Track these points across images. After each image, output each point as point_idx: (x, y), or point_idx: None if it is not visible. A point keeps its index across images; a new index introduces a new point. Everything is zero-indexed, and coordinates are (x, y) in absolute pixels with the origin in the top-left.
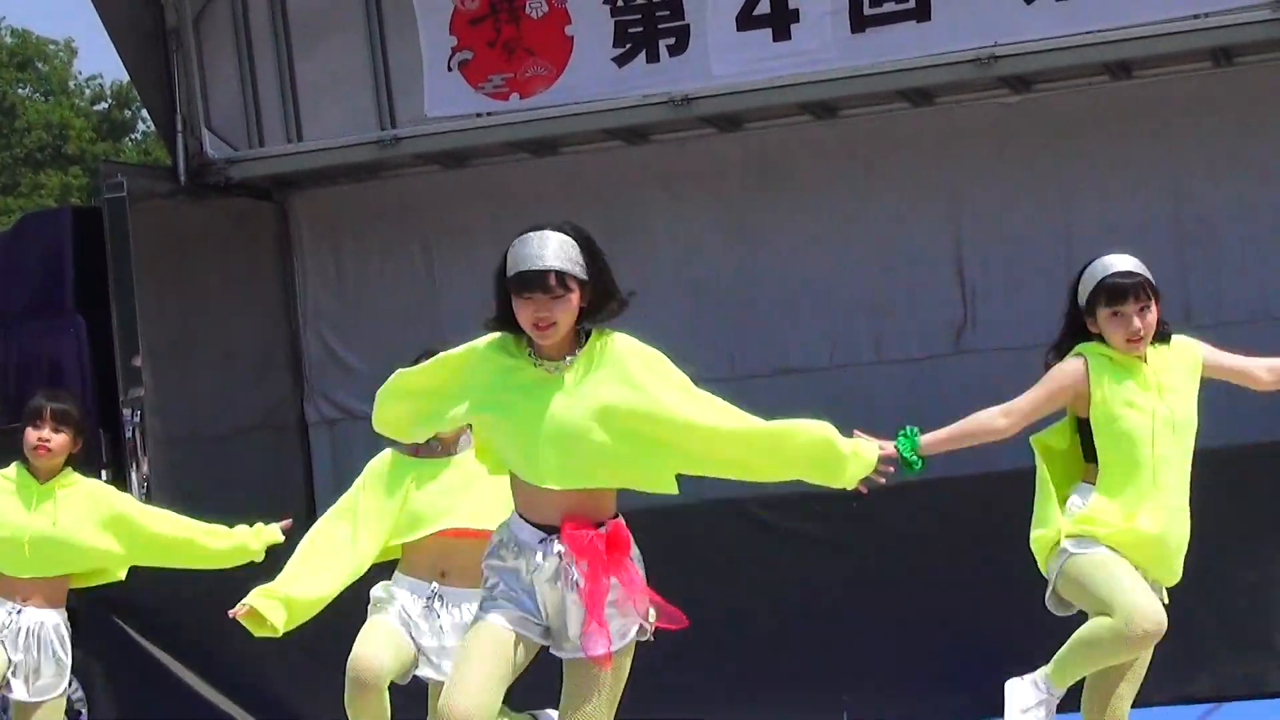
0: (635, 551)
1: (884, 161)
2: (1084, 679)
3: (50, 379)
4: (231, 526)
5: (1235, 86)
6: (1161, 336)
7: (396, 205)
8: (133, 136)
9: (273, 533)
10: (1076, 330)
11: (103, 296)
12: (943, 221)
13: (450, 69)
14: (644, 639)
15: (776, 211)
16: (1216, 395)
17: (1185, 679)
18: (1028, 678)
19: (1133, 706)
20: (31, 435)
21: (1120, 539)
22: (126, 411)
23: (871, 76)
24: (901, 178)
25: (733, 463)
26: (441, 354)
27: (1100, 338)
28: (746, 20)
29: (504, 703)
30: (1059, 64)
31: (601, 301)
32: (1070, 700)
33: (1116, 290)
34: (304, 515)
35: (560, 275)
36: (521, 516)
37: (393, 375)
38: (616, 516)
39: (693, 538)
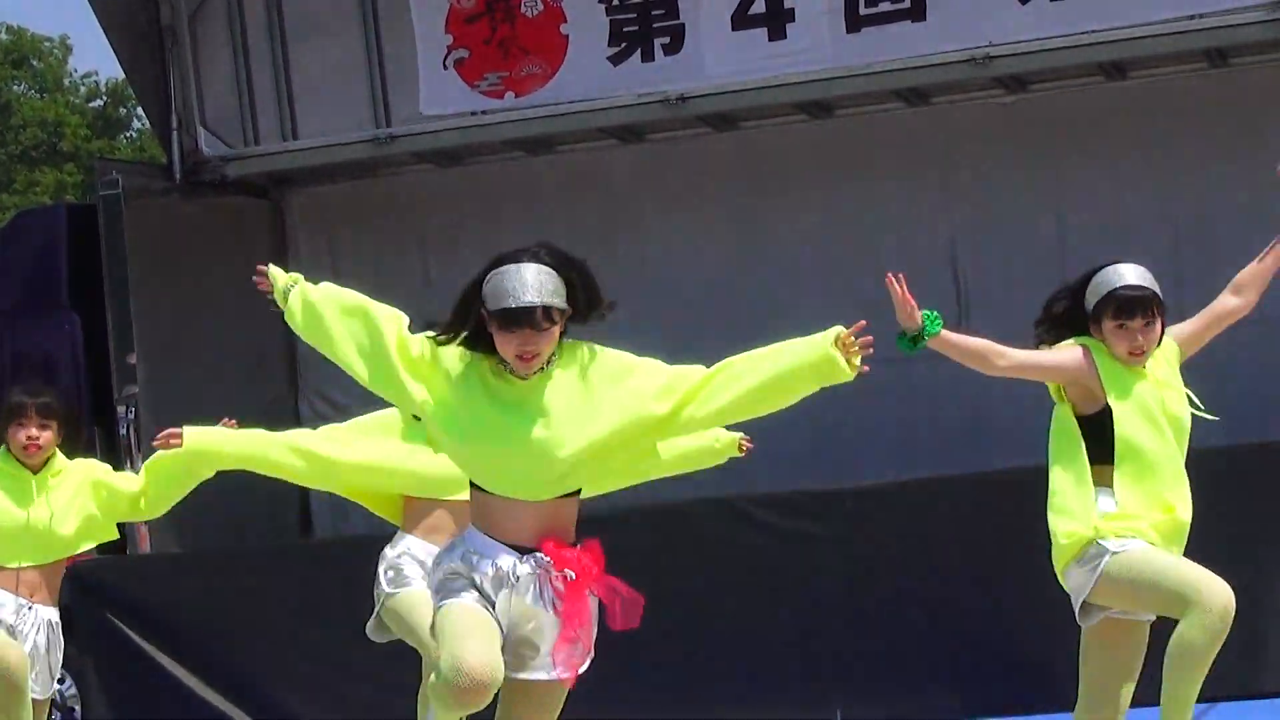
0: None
1: (878, 161)
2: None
3: (45, 375)
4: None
5: (1230, 87)
6: None
7: (391, 203)
8: (128, 134)
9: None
10: (1074, 324)
11: (97, 293)
12: (937, 221)
13: (446, 67)
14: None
15: (771, 210)
16: (1213, 396)
17: None
18: None
19: (1129, 706)
20: (20, 434)
21: (1162, 529)
22: (121, 408)
23: (866, 76)
24: (896, 177)
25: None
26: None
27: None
28: (741, 19)
29: None
30: (1054, 64)
31: (583, 317)
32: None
33: (1126, 304)
34: (299, 512)
35: (547, 310)
36: (486, 534)
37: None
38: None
39: (690, 537)
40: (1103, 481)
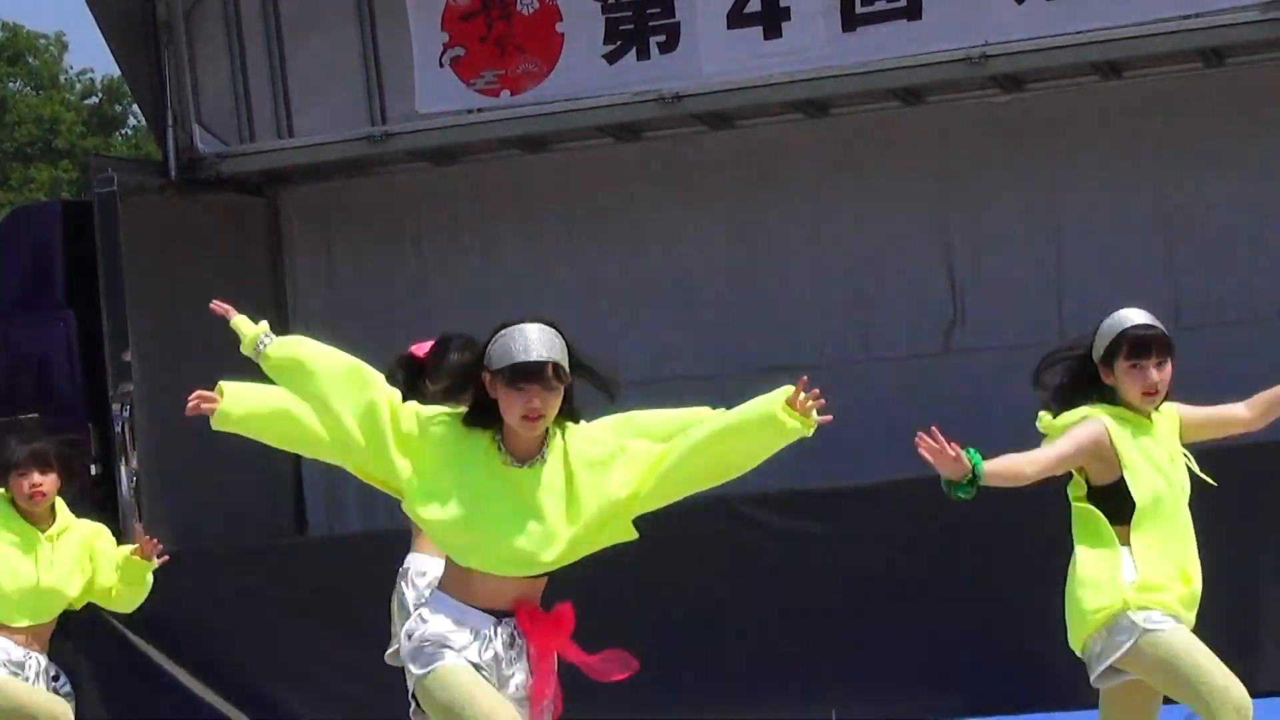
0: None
1: (874, 160)
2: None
3: (40, 373)
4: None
5: (1226, 87)
6: None
7: (387, 201)
8: (123, 131)
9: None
10: (1084, 381)
11: (93, 291)
12: (933, 220)
13: (442, 65)
14: None
15: (767, 209)
16: (1207, 398)
17: None
18: None
19: None
20: (23, 484)
21: (1184, 601)
22: (116, 406)
23: (862, 75)
24: (892, 176)
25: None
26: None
27: (1109, 392)
28: (737, 18)
29: None
30: (1050, 64)
31: (595, 383)
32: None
33: (1139, 343)
34: (294, 510)
35: (556, 367)
36: (457, 599)
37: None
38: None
39: (687, 537)
40: (1121, 540)
